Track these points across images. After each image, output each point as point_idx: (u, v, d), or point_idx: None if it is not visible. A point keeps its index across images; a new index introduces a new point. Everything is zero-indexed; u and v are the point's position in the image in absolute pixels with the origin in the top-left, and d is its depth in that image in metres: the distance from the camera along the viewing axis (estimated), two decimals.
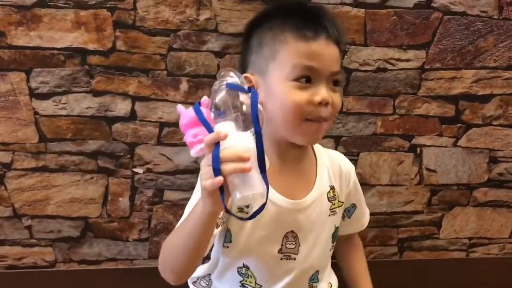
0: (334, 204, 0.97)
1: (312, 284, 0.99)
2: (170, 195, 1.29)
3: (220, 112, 0.69)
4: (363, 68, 1.26)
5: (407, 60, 1.27)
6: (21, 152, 1.22)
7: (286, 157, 0.92)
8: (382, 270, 1.43)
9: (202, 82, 1.22)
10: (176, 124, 1.24)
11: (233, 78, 0.72)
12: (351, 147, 1.33)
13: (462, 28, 1.27)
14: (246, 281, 0.96)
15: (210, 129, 0.71)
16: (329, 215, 0.96)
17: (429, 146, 1.35)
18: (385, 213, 1.39)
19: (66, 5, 1.14)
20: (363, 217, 1.11)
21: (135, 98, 1.22)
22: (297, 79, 0.85)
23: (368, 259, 1.42)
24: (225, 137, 0.66)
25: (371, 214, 1.38)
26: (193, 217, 0.77)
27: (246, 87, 0.72)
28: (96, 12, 1.15)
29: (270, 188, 0.84)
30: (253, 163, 0.67)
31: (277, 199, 0.90)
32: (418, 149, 1.35)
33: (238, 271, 0.96)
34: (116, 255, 1.32)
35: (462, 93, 1.32)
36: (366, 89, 1.28)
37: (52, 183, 1.25)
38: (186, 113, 0.78)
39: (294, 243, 0.93)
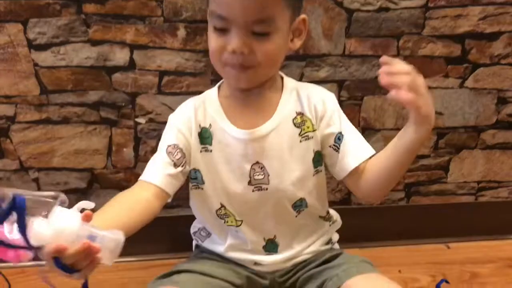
0: (304, 130, 0.95)
1: (299, 210, 0.99)
2: None
3: None
4: (364, 8, 1.23)
5: None
6: (23, 105, 1.23)
7: (247, 92, 0.94)
8: (389, 216, 1.43)
9: (200, 27, 1.20)
10: (176, 73, 1.24)
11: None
12: (355, 91, 1.30)
13: None
14: (227, 221, 0.99)
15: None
16: (300, 141, 0.95)
17: (435, 88, 1.32)
18: None
19: None
20: (358, 148, 0.96)
21: (133, 47, 1.21)
22: (214, 27, 0.88)
23: (375, 204, 1.43)
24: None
25: None
26: None
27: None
28: None
29: (228, 123, 0.94)
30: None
31: (234, 131, 0.94)
32: None
33: (217, 215, 0.98)
34: None
35: (469, 31, 1.28)
36: (369, 30, 1.25)
37: (56, 135, 1.26)
38: None
39: (262, 173, 0.95)
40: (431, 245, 1.42)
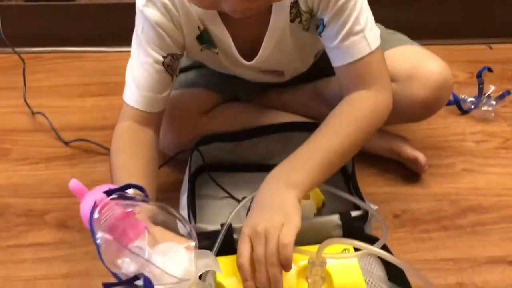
0: (301, 20, 0.74)
1: None
2: None
3: None
4: None
5: None
6: None
7: None
8: (429, 11, 1.32)
9: None
10: None
11: None
12: None
13: None
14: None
15: None
16: (303, 29, 0.75)
17: None
18: None
19: None
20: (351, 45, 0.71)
21: None
22: None
23: None
24: None
25: None
26: None
27: None
28: None
29: (232, 45, 0.75)
30: None
31: (236, 55, 0.77)
32: None
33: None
34: None
35: None
36: None
37: None
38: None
39: (275, 73, 0.86)
40: (472, 46, 1.32)
